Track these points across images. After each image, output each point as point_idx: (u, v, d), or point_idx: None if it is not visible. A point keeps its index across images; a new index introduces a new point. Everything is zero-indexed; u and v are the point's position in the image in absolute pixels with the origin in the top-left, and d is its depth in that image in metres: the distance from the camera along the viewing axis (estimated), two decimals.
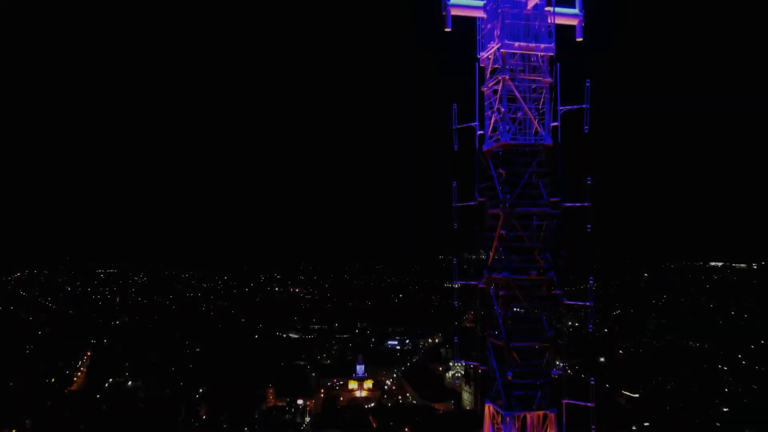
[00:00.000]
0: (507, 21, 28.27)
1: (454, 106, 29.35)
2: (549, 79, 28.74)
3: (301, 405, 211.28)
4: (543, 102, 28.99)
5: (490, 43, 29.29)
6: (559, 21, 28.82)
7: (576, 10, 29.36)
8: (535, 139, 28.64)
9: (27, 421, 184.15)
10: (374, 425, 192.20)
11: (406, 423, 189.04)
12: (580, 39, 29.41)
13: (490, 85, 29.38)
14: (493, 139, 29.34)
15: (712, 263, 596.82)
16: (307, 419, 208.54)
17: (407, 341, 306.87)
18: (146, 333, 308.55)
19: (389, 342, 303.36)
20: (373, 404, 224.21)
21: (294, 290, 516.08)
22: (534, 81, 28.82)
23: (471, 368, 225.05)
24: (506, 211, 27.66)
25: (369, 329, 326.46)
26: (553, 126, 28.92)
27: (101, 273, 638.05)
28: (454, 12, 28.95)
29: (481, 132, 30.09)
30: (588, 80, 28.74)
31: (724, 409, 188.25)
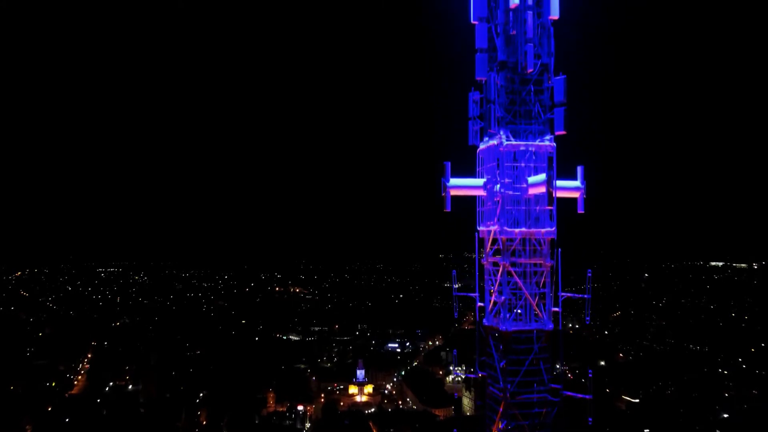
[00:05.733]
0: (507, 207, 27.42)
1: (453, 272, 28.64)
2: (550, 263, 27.90)
3: (301, 411, 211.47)
4: (543, 284, 28.19)
5: (489, 222, 28.40)
6: (561, 195, 27.85)
7: (578, 183, 28.39)
8: (536, 325, 27.86)
9: (27, 426, 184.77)
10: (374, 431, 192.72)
11: (406, 429, 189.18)
12: (581, 212, 28.52)
13: (489, 260, 28.55)
14: (493, 313, 28.60)
15: (712, 263, 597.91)
16: (308, 425, 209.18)
17: (407, 343, 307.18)
18: (147, 335, 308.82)
19: (389, 344, 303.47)
20: (373, 409, 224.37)
21: (294, 290, 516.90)
22: (534, 265, 28.04)
23: (471, 372, 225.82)
24: (507, 401, 26.98)
25: (369, 331, 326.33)
26: (554, 311, 28.14)
27: (101, 272, 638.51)
28: (453, 192, 28.06)
29: (481, 304, 29.34)
30: (590, 270, 27.99)
31: (725, 415, 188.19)
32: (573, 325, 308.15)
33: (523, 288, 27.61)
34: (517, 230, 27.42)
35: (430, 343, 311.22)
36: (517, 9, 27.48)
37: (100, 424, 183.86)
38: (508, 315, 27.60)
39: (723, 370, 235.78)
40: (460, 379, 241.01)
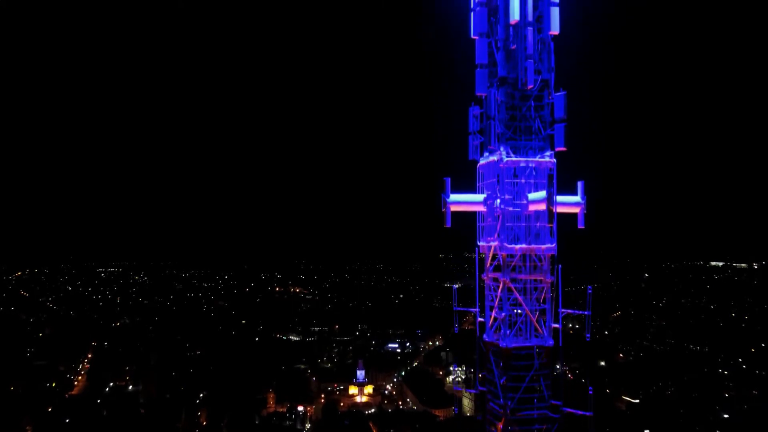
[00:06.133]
0: (507, 224, 27.39)
1: (454, 287, 28.60)
2: (550, 279, 27.87)
3: (301, 411, 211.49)
4: (544, 300, 28.15)
5: (489, 238, 28.34)
6: (561, 210, 27.77)
7: (578, 198, 28.31)
8: (537, 341, 27.84)
9: (27, 427, 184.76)
10: None
11: (406, 430, 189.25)
12: (582, 227, 28.50)
13: (489, 275, 28.51)
14: (493, 329, 28.58)
15: (712, 263, 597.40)
16: (308, 426, 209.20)
17: (407, 344, 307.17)
18: (147, 335, 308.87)
19: (390, 345, 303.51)
20: (373, 410, 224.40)
21: (294, 290, 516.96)
22: (535, 281, 28.03)
23: (470, 373, 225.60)
24: (507, 417, 26.96)
25: (369, 331, 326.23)
26: (554, 327, 28.12)
27: (101, 272, 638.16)
28: (453, 208, 28.00)
29: (482, 320, 29.33)
30: (590, 287, 27.96)
31: (725, 416, 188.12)
32: (573, 326, 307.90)
33: (524, 304, 27.59)
34: (517, 246, 27.33)
35: (430, 343, 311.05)
36: (517, 25, 27.43)
37: (101, 424, 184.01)
38: (508, 331, 27.61)
39: (723, 371, 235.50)
40: (460, 379, 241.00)
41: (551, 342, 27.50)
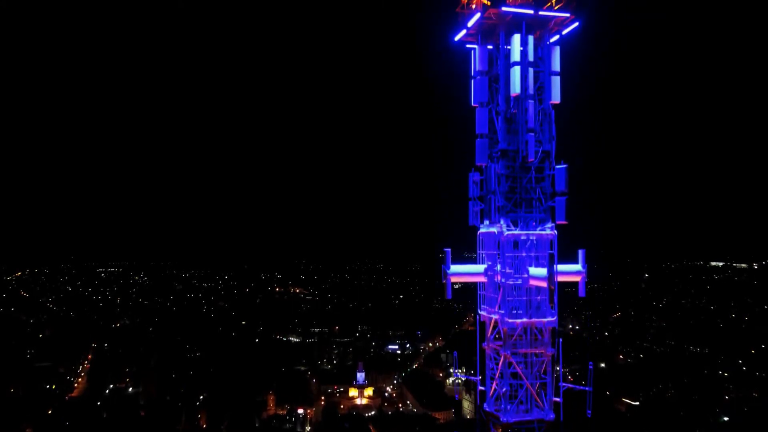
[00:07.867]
0: (508, 297, 27.18)
1: (455, 353, 28.03)
2: (551, 352, 27.69)
3: (301, 414, 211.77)
4: (545, 373, 27.96)
5: (491, 309, 28.14)
6: (561, 279, 27.54)
7: (579, 266, 28.04)
8: (537, 414, 27.61)
9: (27, 429, 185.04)
10: None
11: None
12: (582, 296, 28.24)
13: (491, 345, 28.32)
14: (494, 398, 28.39)
15: (712, 263, 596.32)
16: (308, 428, 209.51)
17: (408, 345, 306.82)
18: (147, 336, 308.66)
19: (390, 346, 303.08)
20: (373, 412, 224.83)
21: (294, 290, 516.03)
22: (536, 354, 27.83)
23: (471, 375, 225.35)
24: None
25: (369, 332, 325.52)
26: (554, 401, 27.94)
27: (101, 272, 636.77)
28: (454, 280, 27.79)
29: (483, 388, 29.11)
30: (591, 363, 27.80)
31: (725, 418, 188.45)
32: (573, 326, 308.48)
33: (524, 378, 27.40)
34: (518, 321, 27.19)
35: (430, 344, 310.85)
36: (518, 97, 27.07)
37: (100, 426, 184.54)
38: (509, 406, 27.42)
39: (723, 372, 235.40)
40: (460, 381, 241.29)
41: (552, 416, 27.30)
